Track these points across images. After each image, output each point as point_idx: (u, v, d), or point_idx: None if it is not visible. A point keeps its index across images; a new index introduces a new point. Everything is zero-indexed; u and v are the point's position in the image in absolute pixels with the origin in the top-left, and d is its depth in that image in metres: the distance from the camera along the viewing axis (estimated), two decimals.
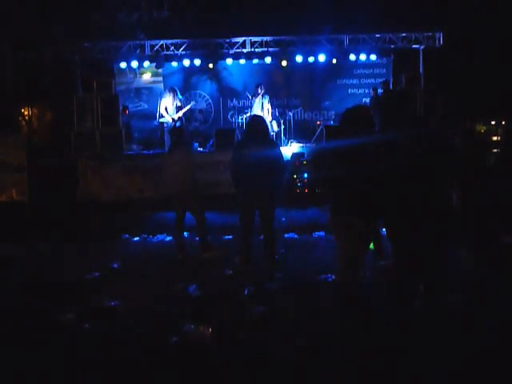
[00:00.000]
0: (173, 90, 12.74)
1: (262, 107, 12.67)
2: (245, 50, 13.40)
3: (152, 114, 13.69)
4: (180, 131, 7.44)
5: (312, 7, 14.56)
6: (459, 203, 3.82)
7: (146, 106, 14.66)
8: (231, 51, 13.39)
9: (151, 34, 13.97)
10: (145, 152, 13.04)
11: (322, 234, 8.16)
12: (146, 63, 13.52)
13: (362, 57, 13.50)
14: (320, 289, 5.59)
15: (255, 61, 13.89)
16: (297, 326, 4.60)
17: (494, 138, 16.38)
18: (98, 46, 13.16)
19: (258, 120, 6.72)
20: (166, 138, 12.76)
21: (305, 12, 14.38)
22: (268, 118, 12.61)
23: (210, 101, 14.87)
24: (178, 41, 13.37)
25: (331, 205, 4.35)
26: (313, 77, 14.46)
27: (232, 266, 6.54)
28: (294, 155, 11.46)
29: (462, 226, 3.82)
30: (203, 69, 14.17)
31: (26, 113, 16.92)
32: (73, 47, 12.99)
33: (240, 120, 13.40)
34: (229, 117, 14.65)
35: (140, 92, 14.72)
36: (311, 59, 13.48)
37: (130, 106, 14.21)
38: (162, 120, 12.74)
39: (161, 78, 14.58)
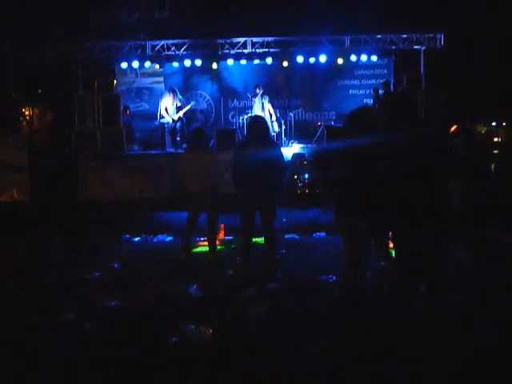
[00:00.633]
0: (172, 91, 12.76)
1: (262, 107, 12.67)
2: (246, 51, 13.40)
3: (153, 115, 13.69)
4: (200, 132, 7.43)
5: (313, 8, 14.56)
6: (459, 203, 3.82)
7: (146, 107, 14.67)
8: (232, 52, 13.40)
9: (152, 34, 13.97)
10: (146, 152, 13.05)
11: (322, 234, 8.17)
12: (147, 63, 13.53)
13: (363, 57, 13.50)
14: (321, 289, 5.59)
15: (256, 61, 13.90)
16: (297, 327, 4.60)
17: (495, 139, 16.39)
18: (99, 46, 13.17)
19: (258, 121, 6.71)
20: (167, 138, 12.79)
21: (306, 12, 14.37)
22: (269, 118, 12.64)
23: (211, 101, 14.87)
24: (179, 41, 13.37)
25: (334, 205, 4.35)
26: (314, 77, 14.46)
27: (233, 267, 6.54)
28: (295, 156, 11.46)
29: (461, 226, 3.81)
30: (204, 69, 14.17)
31: (26, 113, 16.92)
32: (74, 47, 12.99)
33: (241, 120, 13.41)
34: (230, 117, 14.66)
35: (141, 92, 14.73)
36: (312, 60, 13.48)
37: (130, 106, 14.22)
38: (162, 120, 12.75)
39: (162, 79, 14.59)
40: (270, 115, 12.86)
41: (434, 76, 13.49)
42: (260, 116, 8.31)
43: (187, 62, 13.49)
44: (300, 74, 14.47)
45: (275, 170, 6.30)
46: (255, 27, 13.88)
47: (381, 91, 13.10)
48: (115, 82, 13.61)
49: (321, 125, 13.63)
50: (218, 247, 7.40)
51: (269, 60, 13.56)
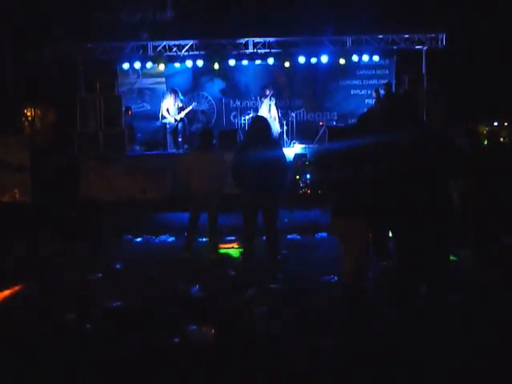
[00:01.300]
0: (174, 92, 12.77)
1: (269, 109, 12.69)
2: (247, 51, 13.40)
3: (155, 115, 13.70)
4: (208, 133, 7.47)
5: (314, 8, 14.55)
6: (460, 203, 3.82)
7: (148, 107, 14.67)
8: (234, 52, 13.40)
9: (154, 35, 13.97)
10: (147, 153, 13.06)
11: (324, 234, 8.16)
12: (149, 64, 13.54)
13: (365, 58, 13.49)
14: (322, 290, 5.59)
15: (258, 62, 13.90)
16: (299, 327, 4.60)
17: (501, 139, 16.34)
18: (101, 47, 13.18)
19: (260, 121, 6.72)
20: (169, 138, 12.80)
21: (307, 13, 14.37)
22: (274, 121, 12.65)
23: (213, 102, 14.87)
24: (181, 42, 13.38)
25: (332, 206, 4.35)
26: (315, 78, 14.45)
27: (235, 267, 6.55)
28: (297, 156, 11.46)
29: (462, 226, 3.82)
30: (206, 70, 14.18)
31: (28, 113, 16.93)
32: (75, 48, 13.01)
33: (243, 121, 13.41)
34: (231, 118, 14.66)
35: (143, 93, 14.73)
36: (314, 60, 13.48)
37: (132, 106, 14.22)
38: (164, 121, 12.76)
39: (163, 79, 14.59)
40: (275, 118, 12.88)
41: (436, 76, 13.47)
42: (261, 116, 8.30)
43: (189, 63, 13.50)
44: (302, 75, 14.47)
45: (277, 171, 6.31)
46: (257, 28, 13.88)
47: (382, 92, 13.09)
48: (117, 82, 13.60)
49: (322, 125, 13.62)
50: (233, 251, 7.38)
51: (270, 60, 13.56)
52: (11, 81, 14.91)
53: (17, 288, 6.09)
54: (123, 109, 12.74)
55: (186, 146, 12.48)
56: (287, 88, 14.70)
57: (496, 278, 5.79)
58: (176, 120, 12.61)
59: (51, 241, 8.33)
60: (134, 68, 13.75)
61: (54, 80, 13.96)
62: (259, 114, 12.49)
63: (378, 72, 14.65)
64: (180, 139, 12.71)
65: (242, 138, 12.25)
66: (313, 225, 8.78)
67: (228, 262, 6.83)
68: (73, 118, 12.61)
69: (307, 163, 11.05)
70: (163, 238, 8.56)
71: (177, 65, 13.79)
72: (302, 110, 14.63)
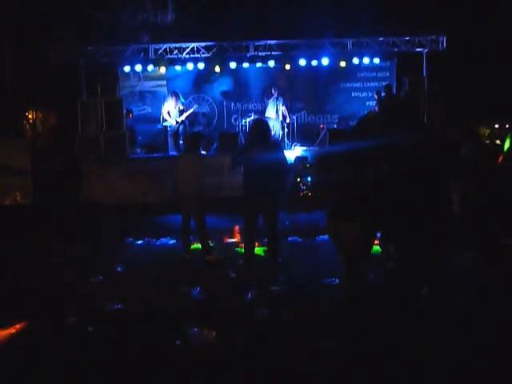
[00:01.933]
0: (175, 94, 12.79)
1: (276, 110, 12.70)
2: (248, 54, 13.43)
3: (156, 118, 13.73)
4: (196, 136, 7.53)
5: (315, 11, 14.58)
6: (460, 204, 3.82)
7: (149, 110, 14.69)
8: (235, 55, 13.42)
9: (155, 38, 14.02)
10: (149, 155, 13.08)
11: (325, 237, 8.13)
12: (150, 67, 13.57)
13: (366, 60, 13.52)
14: (323, 292, 5.59)
15: (259, 64, 13.92)
16: (299, 329, 4.60)
17: (498, 142, 16.34)
18: (102, 50, 13.22)
19: (261, 123, 6.72)
20: (170, 141, 12.81)
21: (308, 16, 14.41)
22: (283, 120, 12.69)
23: (214, 104, 14.89)
24: (182, 44, 13.41)
25: (330, 209, 4.33)
26: (316, 80, 14.48)
27: (235, 269, 6.55)
28: (298, 159, 11.46)
29: (462, 227, 3.82)
30: (207, 72, 14.20)
31: (30, 116, 16.99)
32: (77, 51, 13.04)
33: (243, 123, 13.43)
34: (232, 120, 14.67)
35: (144, 96, 14.75)
36: (314, 63, 13.50)
37: (133, 109, 14.24)
38: (165, 124, 12.78)
39: (164, 82, 14.61)
40: (284, 117, 12.91)
41: (436, 78, 13.49)
42: (262, 119, 8.32)
43: (190, 66, 13.53)
44: (302, 77, 14.49)
45: (278, 173, 6.30)
46: (258, 30, 13.92)
47: (383, 94, 13.10)
48: (118, 85, 13.63)
49: (323, 128, 13.63)
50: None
51: (271, 63, 13.60)
52: (13, 84, 14.95)
53: (18, 290, 6.09)
54: (124, 112, 12.76)
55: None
56: (288, 91, 14.70)
57: (496, 278, 5.80)
58: (177, 122, 12.63)
59: (52, 243, 8.33)
60: (135, 71, 13.79)
61: (55, 83, 14.02)
62: (266, 115, 12.53)
63: (379, 74, 14.66)
64: (181, 142, 12.72)
65: (242, 140, 12.26)
66: (314, 227, 8.76)
67: (229, 265, 6.82)
68: (74, 121, 12.63)
69: (308, 166, 11.06)
70: (164, 240, 8.56)
71: (178, 67, 13.82)
72: (302, 113, 14.66)
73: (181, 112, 12.71)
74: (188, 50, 13.36)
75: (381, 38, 13.36)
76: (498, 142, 15.26)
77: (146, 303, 5.45)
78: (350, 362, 3.91)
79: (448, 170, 3.88)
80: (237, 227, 8.84)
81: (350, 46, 13.35)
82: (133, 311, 5.26)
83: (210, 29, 14.51)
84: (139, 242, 8.58)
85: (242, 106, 14.66)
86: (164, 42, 13.45)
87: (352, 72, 14.56)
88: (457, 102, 13.21)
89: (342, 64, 13.57)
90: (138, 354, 4.25)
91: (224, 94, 14.84)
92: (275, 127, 12.47)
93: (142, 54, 13.37)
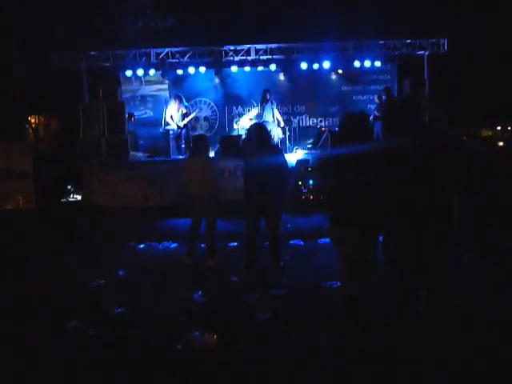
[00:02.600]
0: (178, 98, 12.82)
1: (272, 114, 12.72)
2: (250, 58, 13.45)
3: (157, 122, 13.76)
4: (202, 139, 7.49)
5: (316, 14, 14.62)
6: (460, 205, 3.82)
7: (151, 114, 14.73)
8: (236, 59, 13.46)
9: (156, 42, 14.06)
10: (150, 159, 13.09)
11: (327, 240, 8.12)
12: (152, 71, 13.61)
13: (367, 63, 13.53)
14: (325, 295, 5.58)
15: (260, 68, 13.95)
16: (300, 333, 4.59)
17: (500, 144, 16.36)
18: (104, 54, 13.26)
19: (260, 127, 6.74)
20: (172, 145, 12.83)
21: (309, 19, 14.44)
22: (277, 124, 12.69)
23: (215, 108, 14.92)
24: (184, 48, 13.45)
25: (331, 214, 4.32)
26: (317, 83, 14.50)
27: (237, 273, 6.55)
28: (299, 162, 11.47)
29: (463, 229, 3.83)
30: (208, 76, 14.23)
31: (32, 120, 17.04)
32: (79, 55, 13.07)
33: (245, 127, 13.44)
34: (234, 124, 14.69)
35: (145, 100, 14.79)
36: (316, 66, 13.52)
37: (135, 113, 14.27)
38: (167, 127, 12.80)
39: (166, 86, 14.65)
40: (278, 122, 12.90)
41: (438, 81, 13.50)
42: (261, 123, 8.32)
43: (191, 70, 13.56)
44: (304, 81, 14.51)
45: (279, 176, 6.32)
46: (259, 34, 13.95)
47: (384, 97, 13.13)
48: (120, 89, 13.67)
49: (325, 131, 13.65)
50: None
51: (272, 67, 13.62)
52: (15, 89, 15.00)
53: (19, 293, 6.10)
54: (126, 116, 12.78)
55: (188, 152, 12.52)
56: (289, 94, 14.74)
57: (496, 278, 5.81)
58: (179, 126, 12.66)
59: (53, 247, 8.34)
60: (136, 75, 13.82)
61: (57, 87, 14.07)
62: (264, 119, 12.54)
63: (380, 77, 14.69)
64: (183, 145, 12.74)
65: (242, 144, 12.27)
66: (315, 230, 8.77)
67: (231, 268, 6.82)
68: (76, 125, 12.67)
69: (310, 169, 11.06)
70: (166, 244, 8.57)
71: (179, 71, 13.85)
72: (304, 116, 14.68)
73: (184, 116, 12.73)
74: (189, 54, 13.39)
75: (382, 41, 13.38)
76: (500, 143, 15.26)
77: (147, 307, 5.45)
78: (349, 363, 3.90)
79: (449, 171, 3.87)
80: (238, 230, 8.84)
81: (351, 49, 13.36)
82: (134, 315, 5.26)
83: (211, 33, 14.55)
84: (141, 246, 8.59)
85: (243, 110, 14.69)
86: (165, 47, 13.49)
87: (353, 75, 14.57)
88: (457, 105, 13.21)
89: (344, 69, 13.59)
90: (139, 357, 4.25)
91: (225, 97, 14.86)
92: (273, 132, 12.46)
93: (144, 58, 13.40)
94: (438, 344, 3.84)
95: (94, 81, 13.52)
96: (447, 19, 14.27)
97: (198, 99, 14.75)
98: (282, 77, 14.50)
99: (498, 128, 18.36)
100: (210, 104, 14.90)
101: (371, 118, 12.57)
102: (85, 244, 8.50)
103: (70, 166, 11.85)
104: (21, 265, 7.46)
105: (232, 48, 13.41)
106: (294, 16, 14.95)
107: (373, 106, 13.98)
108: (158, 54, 13.36)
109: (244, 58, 13.45)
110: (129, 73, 13.65)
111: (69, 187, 11.82)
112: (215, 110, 14.92)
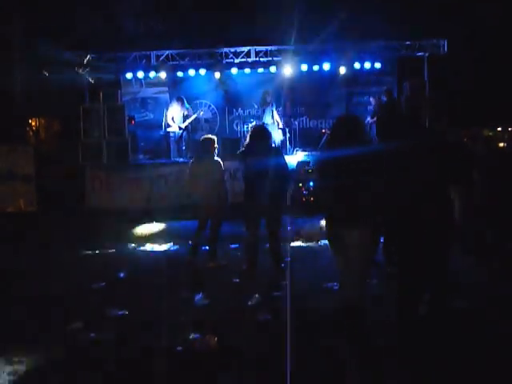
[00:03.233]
0: (180, 99, 12.83)
1: (272, 116, 12.72)
2: (250, 60, 13.47)
3: (158, 124, 13.77)
4: (210, 141, 7.50)
5: (316, 16, 14.63)
6: (461, 206, 3.82)
7: (151, 116, 14.74)
8: (236, 60, 13.47)
9: (157, 44, 14.06)
10: (151, 161, 13.11)
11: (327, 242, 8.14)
12: (152, 73, 13.63)
13: (367, 65, 13.53)
14: (326, 297, 5.59)
15: (260, 70, 13.95)
16: (302, 335, 4.60)
17: (501, 145, 16.34)
18: (105, 57, 13.28)
19: (260, 129, 6.76)
20: (172, 147, 12.84)
21: (309, 21, 14.44)
22: (276, 126, 12.68)
23: (216, 110, 14.93)
24: (184, 51, 13.47)
25: (327, 217, 4.33)
26: (318, 85, 14.48)
27: (238, 275, 6.56)
28: (300, 164, 11.47)
29: (463, 230, 3.83)
30: (208, 78, 14.24)
31: (33, 123, 17.07)
32: (79, 58, 13.09)
33: (245, 129, 13.46)
34: (234, 126, 14.70)
35: (146, 102, 14.80)
36: (316, 68, 13.53)
37: (135, 115, 14.26)
38: (169, 129, 12.81)
39: (166, 88, 14.65)
40: (278, 123, 12.91)
41: (438, 82, 13.50)
42: (262, 125, 8.34)
43: (191, 72, 13.57)
44: (304, 82, 14.46)
45: (279, 178, 6.33)
46: (259, 36, 13.96)
47: (384, 98, 13.12)
48: (120, 92, 13.68)
49: (325, 133, 13.64)
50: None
51: (273, 69, 13.63)
52: (16, 91, 15.02)
53: (22, 297, 6.11)
54: (126, 118, 12.80)
55: (189, 154, 12.52)
56: (290, 96, 14.72)
57: (496, 278, 5.82)
58: (180, 128, 12.67)
59: (55, 250, 8.36)
60: (137, 77, 13.83)
61: (58, 90, 14.07)
62: (264, 121, 12.54)
63: (381, 79, 14.66)
64: (184, 147, 12.76)
65: (242, 146, 12.27)
66: (316, 232, 8.78)
67: (232, 270, 6.83)
68: (77, 128, 12.68)
69: (310, 171, 11.06)
70: (167, 246, 8.58)
71: (179, 74, 13.85)
72: (304, 118, 14.68)
73: (186, 117, 12.75)
74: (190, 56, 13.41)
75: (382, 43, 13.39)
76: (501, 144, 15.26)
77: (148, 308, 5.46)
78: (349, 362, 3.92)
79: (449, 171, 3.88)
80: (239, 232, 8.85)
81: (351, 50, 13.37)
82: (135, 316, 5.27)
83: (212, 35, 14.56)
84: (142, 248, 8.60)
85: (243, 112, 14.70)
86: (166, 49, 13.51)
87: (353, 77, 14.56)
88: (458, 106, 13.21)
89: (344, 69, 13.59)
90: (140, 358, 4.26)
91: (226, 99, 14.87)
92: (273, 134, 12.45)
93: (144, 60, 13.42)
94: (438, 344, 3.86)
95: (95, 83, 13.54)
96: (447, 20, 14.27)
97: (198, 101, 14.75)
98: (282, 78, 14.50)
99: (499, 129, 18.35)
100: (210, 106, 14.91)
101: (367, 120, 12.58)
102: (85, 246, 8.52)
103: (71, 169, 11.87)
104: (22, 267, 7.47)
105: (232, 50, 13.43)
106: (295, 18, 14.96)
107: (372, 108, 13.97)
108: (158, 57, 13.38)
109: (244, 59, 13.47)
110: (129, 75, 13.66)
111: (70, 189, 11.84)
112: (215, 112, 14.93)
